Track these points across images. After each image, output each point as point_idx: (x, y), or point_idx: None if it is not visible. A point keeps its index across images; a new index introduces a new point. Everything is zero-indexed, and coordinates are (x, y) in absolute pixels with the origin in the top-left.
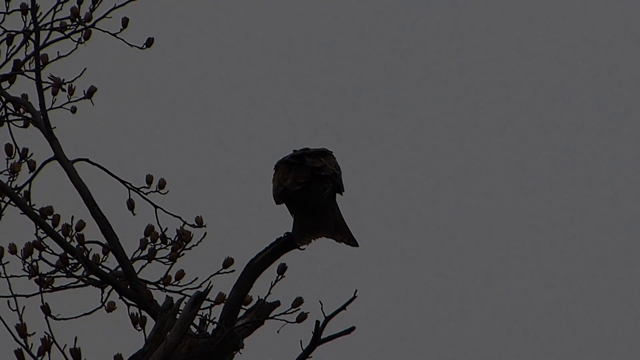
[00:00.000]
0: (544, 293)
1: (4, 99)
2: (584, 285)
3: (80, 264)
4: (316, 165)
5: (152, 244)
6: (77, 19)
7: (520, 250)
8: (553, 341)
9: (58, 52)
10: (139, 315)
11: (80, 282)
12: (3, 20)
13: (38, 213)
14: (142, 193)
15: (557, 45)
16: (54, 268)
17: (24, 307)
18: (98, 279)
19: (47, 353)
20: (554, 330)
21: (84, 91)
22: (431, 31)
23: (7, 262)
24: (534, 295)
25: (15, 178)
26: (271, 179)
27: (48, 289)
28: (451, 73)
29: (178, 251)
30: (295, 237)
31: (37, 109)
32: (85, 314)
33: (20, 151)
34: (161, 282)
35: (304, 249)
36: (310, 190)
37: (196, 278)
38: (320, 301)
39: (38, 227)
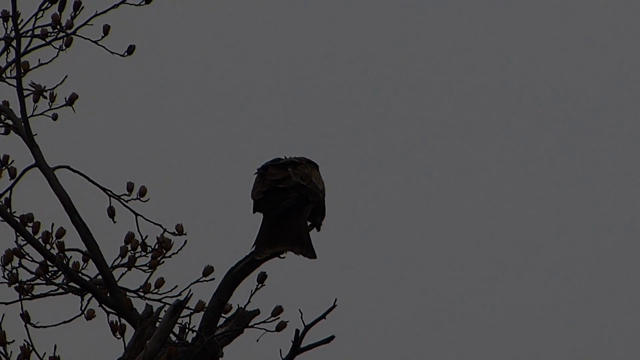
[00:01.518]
0: (537, 296)
1: None
2: (584, 285)
3: (60, 272)
4: (276, 177)
5: (132, 251)
6: (58, 26)
7: (510, 255)
8: (551, 343)
9: (39, 60)
10: (119, 323)
11: (60, 290)
12: None
13: (18, 220)
14: (122, 200)
15: (563, 45)
16: (33, 275)
17: (3, 314)
18: (78, 287)
19: None
20: (552, 331)
21: (65, 98)
22: (431, 32)
23: None
24: (522, 300)
25: None
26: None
27: (28, 297)
28: (451, 74)
29: (158, 259)
30: (255, 250)
31: (18, 116)
32: (64, 322)
33: (1, 158)
34: (141, 290)
35: (284, 257)
36: (268, 200)
37: (176, 286)
38: (300, 310)
39: (18, 234)
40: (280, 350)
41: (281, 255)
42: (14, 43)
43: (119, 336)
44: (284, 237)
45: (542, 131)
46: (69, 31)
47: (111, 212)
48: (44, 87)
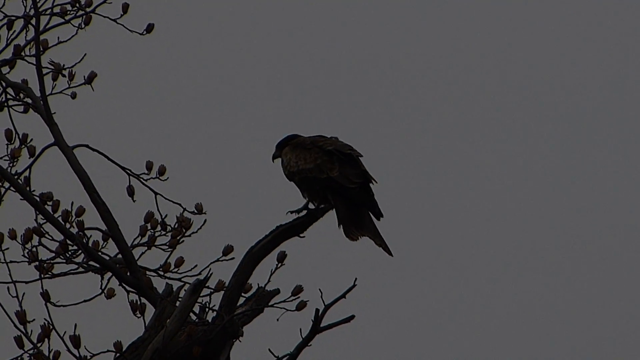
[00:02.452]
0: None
1: (4, 84)
2: (584, 285)
3: (80, 251)
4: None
5: (151, 230)
6: (77, 4)
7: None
8: (550, 343)
9: (58, 38)
10: (139, 303)
11: (80, 269)
12: (3, 5)
13: (38, 199)
14: (142, 179)
15: (562, 45)
16: (53, 254)
17: (23, 293)
18: (98, 266)
19: (46, 340)
20: (551, 331)
21: (84, 77)
22: (431, 32)
23: (7, 248)
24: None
25: (15, 164)
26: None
27: (48, 276)
28: (450, 74)
29: (178, 238)
30: (345, 230)
31: (37, 94)
32: (84, 301)
33: (20, 137)
34: (161, 269)
35: (303, 236)
36: (363, 191)
37: (196, 265)
38: (320, 289)
39: (38, 213)
40: (301, 329)
41: (301, 235)
42: (33, 21)
43: (139, 315)
44: (369, 227)
45: (542, 131)
46: (88, 9)
47: (130, 191)
48: (63, 65)
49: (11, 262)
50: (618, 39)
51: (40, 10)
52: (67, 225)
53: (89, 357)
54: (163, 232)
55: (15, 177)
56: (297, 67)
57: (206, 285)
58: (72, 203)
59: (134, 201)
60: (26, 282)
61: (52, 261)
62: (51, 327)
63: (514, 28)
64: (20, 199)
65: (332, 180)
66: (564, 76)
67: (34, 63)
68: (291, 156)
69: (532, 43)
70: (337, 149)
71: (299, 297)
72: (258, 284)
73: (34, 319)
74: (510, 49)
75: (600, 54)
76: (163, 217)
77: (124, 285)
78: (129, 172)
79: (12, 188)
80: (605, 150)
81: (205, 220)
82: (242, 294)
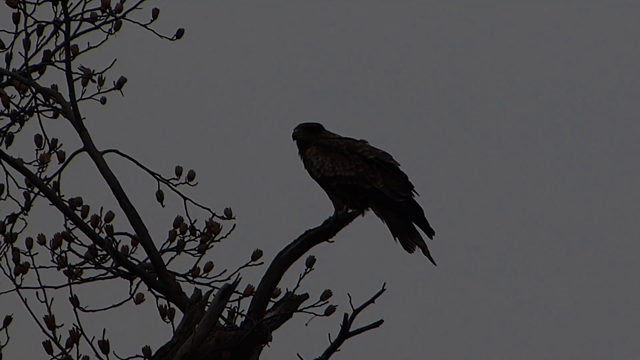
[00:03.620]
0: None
1: (34, 89)
2: (584, 285)
3: (109, 256)
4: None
5: (181, 235)
6: (107, 10)
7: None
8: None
9: (88, 43)
10: (168, 308)
11: (109, 274)
12: (34, 10)
13: (67, 204)
14: (171, 184)
15: (563, 45)
16: (82, 259)
17: (52, 298)
18: (127, 271)
19: (75, 345)
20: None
21: (113, 82)
22: (432, 32)
23: (37, 253)
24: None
25: (44, 169)
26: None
27: (77, 281)
28: (451, 74)
29: (207, 243)
30: (402, 243)
31: (67, 99)
32: (113, 306)
33: (50, 142)
34: (190, 274)
35: (332, 241)
36: (411, 206)
37: (225, 270)
38: (348, 294)
39: (67, 218)
40: (329, 334)
41: (330, 240)
42: (63, 27)
43: (168, 320)
44: (417, 234)
45: (542, 131)
46: (118, 15)
47: (160, 196)
48: (93, 70)
49: (40, 267)
50: (618, 39)
51: (70, 16)
52: (97, 231)
53: None
54: (192, 237)
55: (45, 182)
56: (325, 71)
57: (235, 290)
58: (102, 208)
59: (163, 206)
60: (55, 288)
61: (81, 266)
62: (80, 332)
63: (515, 28)
64: (50, 204)
65: (378, 192)
66: (564, 76)
67: (64, 69)
68: (324, 159)
69: (532, 44)
70: (378, 157)
71: (327, 302)
72: (287, 289)
73: (62, 324)
74: (510, 51)
75: (600, 54)
76: (192, 222)
77: (153, 290)
78: (158, 177)
79: (41, 193)
80: (606, 150)
81: (234, 225)
82: (271, 299)
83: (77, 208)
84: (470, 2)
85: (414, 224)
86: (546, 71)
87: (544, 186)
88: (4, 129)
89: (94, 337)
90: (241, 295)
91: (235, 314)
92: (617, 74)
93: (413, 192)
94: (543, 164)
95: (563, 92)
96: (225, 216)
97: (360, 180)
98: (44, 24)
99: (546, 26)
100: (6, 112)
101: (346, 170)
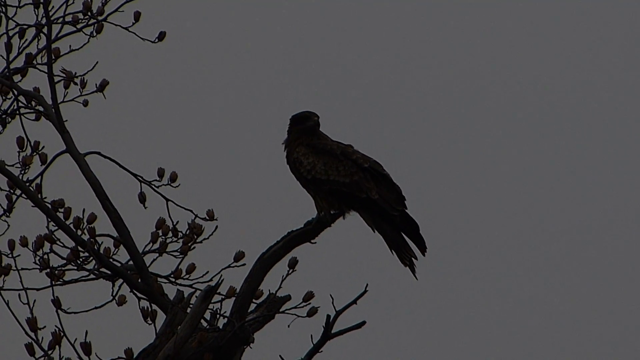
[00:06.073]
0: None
1: (16, 92)
2: (584, 285)
3: (91, 257)
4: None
5: (163, 237)
6: (89, 13)
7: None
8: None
9: (70, 46)
10: (150, 309)
11: (91, 276)
12: (15, 13)
13: (49, 206)
14: (153, 186)
15: (562, 46)
16: (65, 261)
17: (34, 300)
18: (109, 273)
19: (57, 347)
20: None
21: (95, 84)
22: (431, 32)
23: (19, 255)
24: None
25: (26, 171)
26: (284, 148)
27: (59, 282)
28: (450, 74)
29: (189, 244)
30: (399, 256)
31: (49, 102)
32: (96, 308)
33: (32, 144)
34: (172, 275)
35: (315, 242)
36: (405, 221)
37: (207, 272)
38: (331, 295)
39: (49, 220)
40: (312, 335)
41: (312, 241)
42: (44, 29)
43: (150, 322)
44: (409, 248)
45: (543, 131)
46: (99, 18)
47: (142, 198)
48: (75, 73)
49: (22, 269)
50: (618, 39)
51: (52, 18)
52: (79, 232)
53: None
54: (174, 239)
55: (27, 184)
56: (310, 74)
57: (217, 291)
58: (84, 210)
59: (145, 208)
60: (37, 289)
61: (63, 268)
62: (62, 334)
63: (516, 29)
64: (32, 206)
65: (374, 203)
66: (563, 77)
67: (46, 71)
68: (315, 161)
69: (532, 44)
70: (372, 166)
71: (310, 303)
72: (269, 290)
73: (44, 326)
74: (511, 52)
75: (600, 54)
76: (174, 223)
77: (135, 291)
78: (140, 179)
79: (23, 195)
80: (605, 150)
81: (216, 227)
82: (254, 300)
83: (60, 210)
84: (470, 2)
85: (405, 236)
86: (546, 71)
87: (544, 186)
88: None
89: (76, 339)
90: (223, 297)
91: (218, 316)
92: (617, 74)
93: (405, 205)
94: (543, 164)
95: (563, 92)
96: (207, 217)
97: (355, 188)
98: (25, 26)
99: (546, 26)
100: None
101: (341, 176)
